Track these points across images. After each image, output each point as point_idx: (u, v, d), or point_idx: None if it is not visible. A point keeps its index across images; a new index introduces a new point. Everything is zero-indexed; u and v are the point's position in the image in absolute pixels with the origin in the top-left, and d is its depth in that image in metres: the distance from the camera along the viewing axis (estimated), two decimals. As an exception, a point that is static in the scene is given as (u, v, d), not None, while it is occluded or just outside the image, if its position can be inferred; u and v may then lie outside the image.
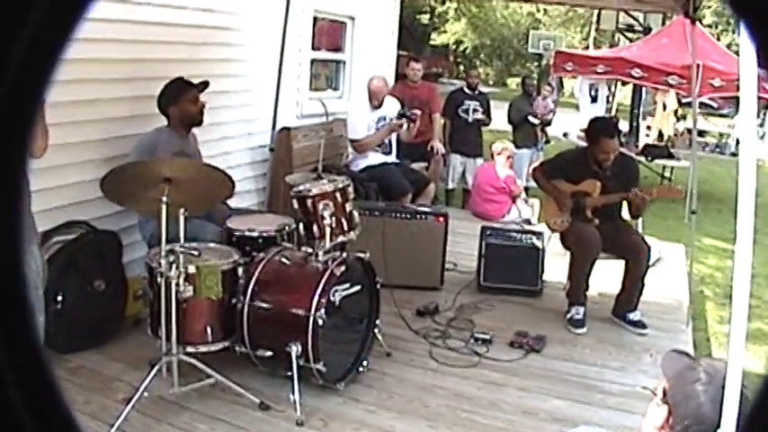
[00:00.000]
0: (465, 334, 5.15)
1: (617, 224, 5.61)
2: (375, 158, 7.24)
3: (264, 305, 4.04)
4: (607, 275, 5.85)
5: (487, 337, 5.08)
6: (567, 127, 14.91)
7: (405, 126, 7.07)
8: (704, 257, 8.98)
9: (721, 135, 20.18)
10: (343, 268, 4.07)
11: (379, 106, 7.14)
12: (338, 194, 4.32)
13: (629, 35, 17.83)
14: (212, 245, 4.32)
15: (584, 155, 5.55)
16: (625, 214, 5.73)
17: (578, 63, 12.60)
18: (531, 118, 10.43)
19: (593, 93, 13.99)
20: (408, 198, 6.91)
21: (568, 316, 5.49)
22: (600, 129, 5.47)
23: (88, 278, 4.48)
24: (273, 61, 6.68)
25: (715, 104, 22.36)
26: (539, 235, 6.19)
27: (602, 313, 5.62)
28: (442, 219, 5.95)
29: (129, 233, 5.06)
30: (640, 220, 6.08)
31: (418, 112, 7.18)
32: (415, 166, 7.94)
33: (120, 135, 5.02)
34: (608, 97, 16.28)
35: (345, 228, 4.33)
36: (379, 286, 4.43)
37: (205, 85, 4.95)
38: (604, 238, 5.42)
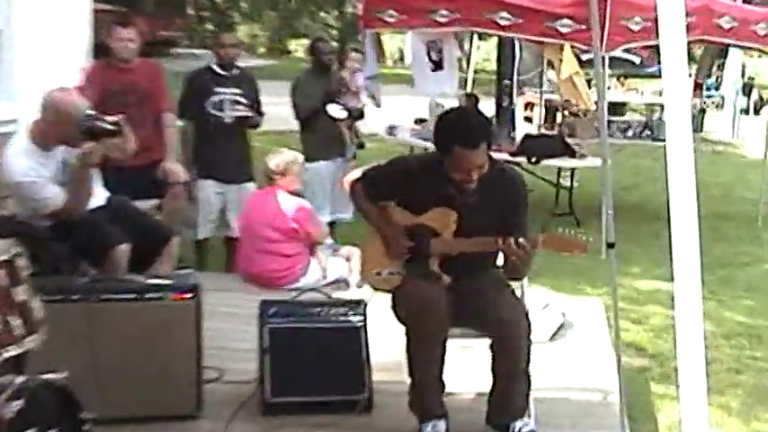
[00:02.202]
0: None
1: (482, 282, 5.02)
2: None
3: None
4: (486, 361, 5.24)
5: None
6: (395, 116, 13.34)
7: (93, 150, 5.86)
8: (638, 312, 8.24)
9: (650, 109, 18.05)
10: (17, 406, 3.78)
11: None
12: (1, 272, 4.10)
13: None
14: None
15: (434, 165, 4.98)
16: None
17: (404, 7, 11.11)
18: (330, 108, 9.15)
19: (434, 56, 12.56)
20: (121, 253, 6.00)
21: (420, 439, 4.87)
22: (450, 132, 4.86)
23: None
24: None
25: (637, 59, 19.75)
26: (359, 306, 5.57)
27: (479, 425, 5.12)
28: (189, 294, 5.33)
29: None
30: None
31: (115, 117, 5.99)
32: (141, 205, 6.97)
33: None
34: (460, 62, 14.50)
35: (19, 331, 4.09)
36: (88, 427, 4.10)
37: None
38: (458, 304, 4.85)
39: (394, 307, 5.08)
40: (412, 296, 4.94)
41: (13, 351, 4.02)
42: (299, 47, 34.57)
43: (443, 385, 5.02)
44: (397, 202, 5.14)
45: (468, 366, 5.39)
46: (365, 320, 5.52)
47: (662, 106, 16.30)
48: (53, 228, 6.06)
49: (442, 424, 4.93)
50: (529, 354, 4.96)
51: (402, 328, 5.02)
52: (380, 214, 5.20)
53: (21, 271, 4.14)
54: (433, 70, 12.41)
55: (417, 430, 4.98)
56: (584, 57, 13.76)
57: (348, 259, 7.75)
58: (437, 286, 4.95)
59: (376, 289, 5.31)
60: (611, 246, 5.37)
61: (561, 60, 13.49)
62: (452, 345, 5.17)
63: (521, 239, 4.81)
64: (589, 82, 14.12)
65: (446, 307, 4.85)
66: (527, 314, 5.01)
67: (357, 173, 5.82)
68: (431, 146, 5.75)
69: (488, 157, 4.87)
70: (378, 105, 10.98)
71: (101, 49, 7.86)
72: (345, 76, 9.70)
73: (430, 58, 12.29)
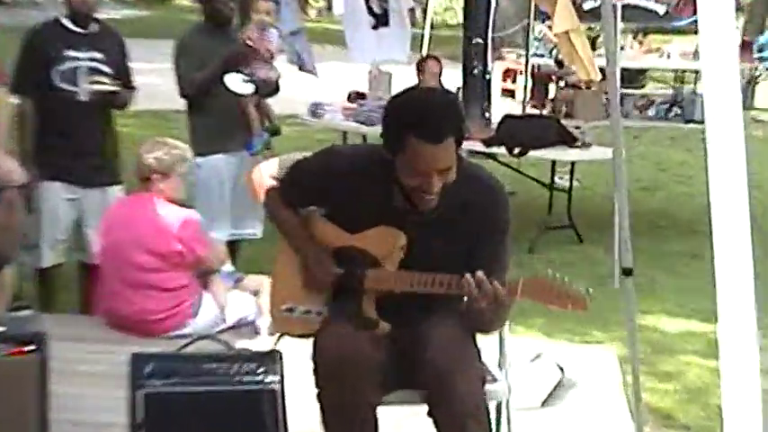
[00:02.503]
0: None
1: (436, 329, 4.58)
2: None
3: None
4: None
5: None
6: (321, 90, 11.70)
7: None
8: (665, 364, 7.46)
9: (680, 77, 15.76)
10: None
11: None
12: None
13: None
14: None
15: (380, 164, 4.54)
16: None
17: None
18: (230, 79, 8.05)
19: (375, 7, 11.23)
20: None
21: None
22: (404, 118, 4.31)
23: None
24: None
25: (661, 8, 17.51)
26: (273, 360, 5.01)
27: None
28: (29, 346, 5.17)
29: None
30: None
31: None
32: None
33: None
34: (412, 13, 13.09)
35: None
36: None
37: None
38: (399, 362, 4.47)
39: (314, 357, 4.67)
40: (331, 347, 4.48)
41: None
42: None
43: None
44: (325, 212, 4.69)
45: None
46: (282, 380, 4.96)
47: (696, 74, 14.95)
48: None
49: None
50: (487, 420, 4.59)
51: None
52: (301, 228, 4.78)
53: None
54: (374, 27, 10.96)
55: None
56: (588, 5, 12.33)
57: (256, 293, 6.92)
58: (370, 335, 4.48)
59: (284, 333, 4.94)
60: (627, 272, 4.98)
61: (550, 20, 11.81)
62: (400, 411, 5.03)
63: (494, 282, 4.23)
64: (594, 41, 12.60)
65: (379, 365, 4.42)
66: (474, 363, 4.65)
67: (271, 170, 5.36)
68: (371, 131, 4.75)
69: (457, 159, 4.33)
70: (312, 73, 10.09)
71: None
72: (252, 34, 8.53)
73: (370, 11, 10.72)
